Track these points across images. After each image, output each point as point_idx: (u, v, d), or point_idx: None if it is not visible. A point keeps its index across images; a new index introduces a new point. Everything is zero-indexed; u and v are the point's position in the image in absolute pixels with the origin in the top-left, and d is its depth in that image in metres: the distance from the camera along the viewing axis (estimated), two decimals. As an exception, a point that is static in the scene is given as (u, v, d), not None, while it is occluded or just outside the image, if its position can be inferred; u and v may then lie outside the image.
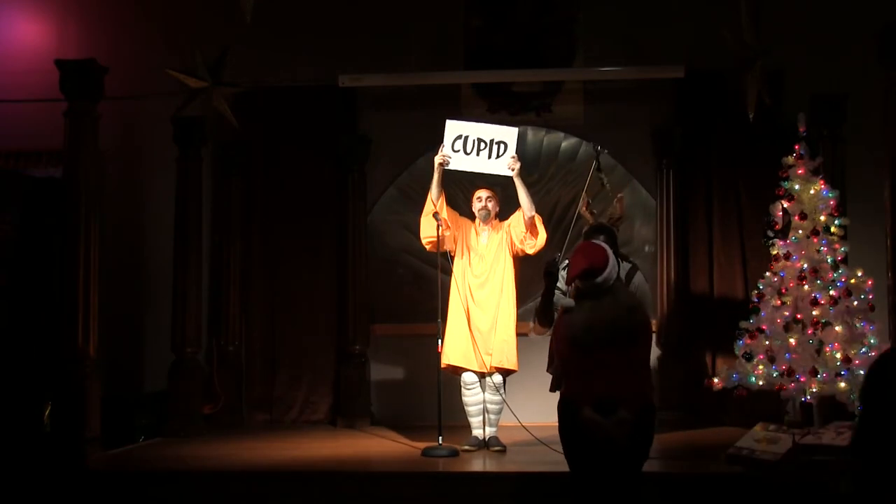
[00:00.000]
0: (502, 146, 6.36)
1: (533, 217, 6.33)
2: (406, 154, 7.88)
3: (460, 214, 6.68)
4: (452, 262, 6.49)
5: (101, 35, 8.02)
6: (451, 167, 6.41)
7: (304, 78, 7.90)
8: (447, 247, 6.45)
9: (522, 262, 6.72)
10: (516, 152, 6.37)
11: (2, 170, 7.97)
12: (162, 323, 7.64)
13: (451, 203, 7.29)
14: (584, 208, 6.04)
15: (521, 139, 7.80)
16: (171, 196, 7.62)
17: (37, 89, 7.06)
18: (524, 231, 6.34)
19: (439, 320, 6.37)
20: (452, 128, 6.40)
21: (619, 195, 6.19)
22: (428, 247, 6.57)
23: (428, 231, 6.48)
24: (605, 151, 6.07)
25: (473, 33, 7.97)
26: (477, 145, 6.36)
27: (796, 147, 6.60)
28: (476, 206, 6.52)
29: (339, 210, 7.93)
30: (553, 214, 7.67)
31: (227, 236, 7.98)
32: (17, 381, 6.98)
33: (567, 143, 7.94)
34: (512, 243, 6.42)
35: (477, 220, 6.53)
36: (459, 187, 7.03)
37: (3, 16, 8.36)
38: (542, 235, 6.39)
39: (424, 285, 7.71)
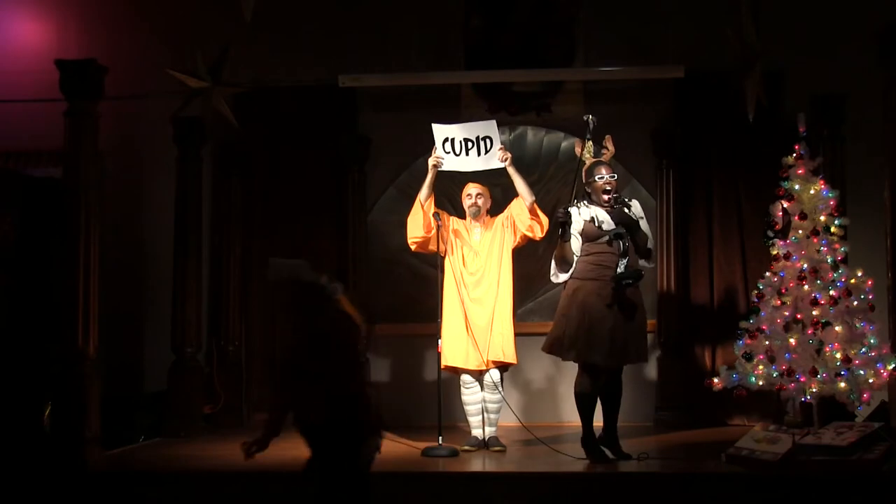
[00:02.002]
0: (488, 141, 6.38)
1: (534, 203, 6.36)
2: (406, 154, 7.89)
3: (449, 214, 6.69)
4: (443, 263, 6.48)
5: (101, 35, 8.02)
6: (444, 168, 6.44)
7: (304, 78, 7.89)
8: (431, 247, 6.46)
9: (521, 261, 6.72)
10: (502, 143, 6.39)
11: (2, 170, 7.97)
12: (162, 323, 7.64)
13: (449, 201, 7.32)
14: (584, 152, 6.15)
15: (520, 139, 7.87)
16: (171, 196, 7.63)
17: (37, 89, 7.06)
18: (529, 217, 6.35)
19: (439, 320, 6.37)
20: (439, 131, 6.44)
21: (607, 136, 6.27)
22: (413, 247, 6.58)
23: (415, 231, 6.48)
24: (594, 119, 6.09)
25: (473, 33, 7.97)
26: (464, 145, 6.40)
27: (796, 147, 6.60)
28: (466, 202, 6.53)
29: (339, 210, 7.93)
30: (553, 214, 7.67)
31: (227, 236, 7.98)
32: (17, 381, 6.98)
33: (567, 143, 7.93)
34: (516, 231, 6.41)
35: (468, 218, 6.54)
36: (460, 188, 7.01)
37: (3, 16, 8.36)
38: (545, 220, 6.43)
39: (424, 285, 7.70)
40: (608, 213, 5.90)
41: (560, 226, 5.84)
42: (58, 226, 6.37)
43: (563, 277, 5.97)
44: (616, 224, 5.86)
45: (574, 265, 5.92)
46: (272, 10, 7.11)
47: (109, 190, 7.80)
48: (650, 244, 6.01)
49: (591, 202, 5.99)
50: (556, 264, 5.97)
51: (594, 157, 6.19)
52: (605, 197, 5.93)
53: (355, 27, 7.93)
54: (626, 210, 5.95)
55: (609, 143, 6.25)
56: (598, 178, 5.95)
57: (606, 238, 5.88)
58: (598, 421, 6.00)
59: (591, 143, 6.10)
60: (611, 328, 5.78)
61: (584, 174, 6.09)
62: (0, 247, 7.13)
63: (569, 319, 5.87)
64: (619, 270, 5.80)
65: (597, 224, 5.90)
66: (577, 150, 6.22)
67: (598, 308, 5.81)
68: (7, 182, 7.44)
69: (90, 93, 6.26)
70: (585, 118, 6.12)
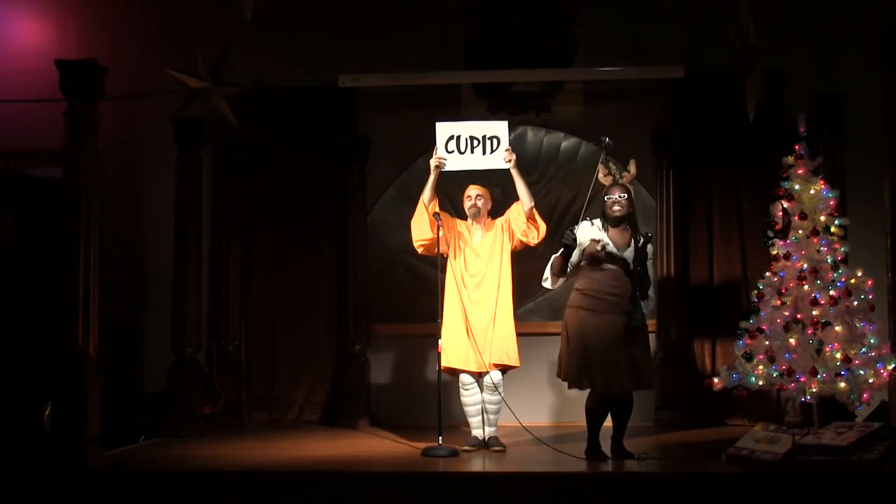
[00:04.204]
0: (495, 140, 6.38)
1: (532, 208, 6.35)
2: (406, 154, 7.89)
3: (451, 215, 6.70)
4: (446, 264, 6.48)
5: (101, 35, 8.02)
6: (447, 168, 6.43)
7: (304, 78, 7.89)
8: (440, 249, 6.45)
9: (520, 262, 6.72)
10: (509, 144, 6.39)
11: (2, 170, 7.97)
12: (162, 323, 7.64)
13: (450, 202, 7.32)
14: (602, 174, 6.17)
15: (520, 139, 7.87)
16: (171, 196, 7.62)
17: (37, 89, 7.05)
18: (525, 222, 6.35)
19: (439, 320, 6.37)
20: (443, 129, 6.42)
21: (631, 160, 6.28)
22: (420, 250, 6.58)
23: (421, 234, 6.48)
24: (610, 142, 6.10)
25: (473, 33, 7.97)
26: (470, 143, 6.39)
27: (796, 147, 6.60)
28: (466, 203, 6.54)
29: (339, 210, 7.93)
30: (553, 214, 7.68)
31: (227, 236, 7.99)
32: (17, 381, 6.98)
33: (567, 143, 7.94)
34: (513, 236, 6.42)
35: (469, 219, 6.54)
36: (460, 189, 7.02)
37: (3, 16, 8.36)
38: (543, 226, 6.43)
39: (424, 285, 7.70)
40: (635, 255, 5.89)
41: (564, 246, 5.89)
42: (58, 226, 6.37)
43: (553, 286, 6.10)
44: (633, 266, 5.85)
45: (566, 279, 6.03)
46: (272, 10, 7.10)
47: (109, 190, 7.80)
48: (650, 291, 6.01)
49: (604, 224, 5.98)
50: (551, 272, 6.07)
51: (613, 181, 6.16)
52: (616, 209, 5.93)
53: (355, 27, 7.92)
54: (644, 252, 5.91)
55: (632, 166, 6.24)
56: (607, 199, 5.98)
57: (607, 267, 5.91)
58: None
59: (610, 164, 6.11)
60: (605, 356, 5.81)
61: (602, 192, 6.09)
62: (0, 247, 7.13)
63: (567, 349, 5.96)
64: (634, 322, 5.81)
65: (599, 247, 5.88)
66: (601, 175, 6.18)
67: (592, 337, 5.85)
68: (7, 182, 7.44)
69: (90, 93, 6.25)
70: (602, 140, 6.09)
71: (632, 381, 5.87)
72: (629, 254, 5.89)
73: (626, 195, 5.97)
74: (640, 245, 5.86)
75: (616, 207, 5.93)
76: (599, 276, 5.91)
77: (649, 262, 6.00)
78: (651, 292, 6.03)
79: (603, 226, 5.97)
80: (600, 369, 5.81)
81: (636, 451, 5.94)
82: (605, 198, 5.99)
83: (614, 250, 5.89)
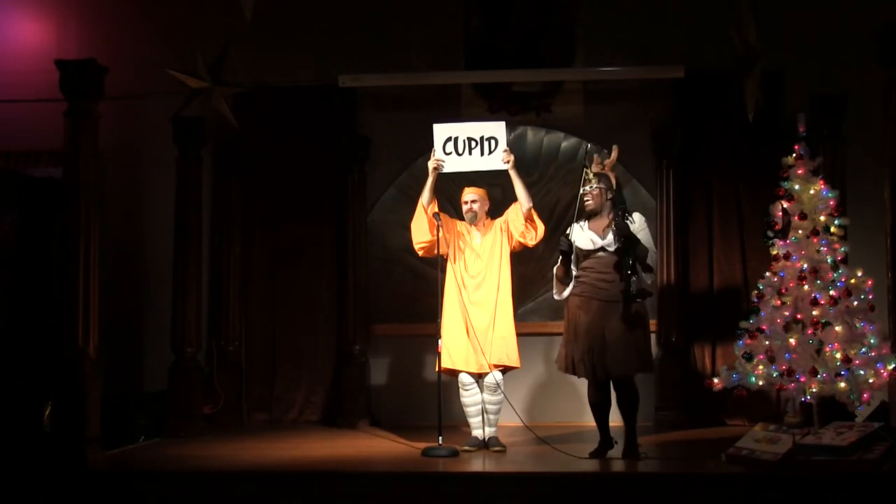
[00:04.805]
0: (493, 141, 6.38)
1: (530, 209, 6.36)
2: (406, 154, 7.89)
3: (450, 216, 6.70)
4: (446, 264, 6.48)
5: (101, 35, 8.02)
6: (445, 170, 6.43)
7: (304, 78, 7.90)
8: (440, 250, 6.45)
9: (521, 263, 6.71)
10: (507, 145, 6.39)
11: (2, 170, 7.97)
12: (162, 323, 7.64)
13: (450, 202, 7.32)
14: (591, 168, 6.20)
15: (520, 139, 7.88)
16: (171, 196, 7.62)
17: (37, 89, 7.06)
18: (524, 223, 6.35)
19: (439, 320, 6.37)
20: (440, 131, 6.42)
21: (614, 145, 6.27)
22: (420, 252, 6.58)
23: (421, 237, 6.48)
24: (591, 148, 6.17)
25: (474, 33, 7.97)
26: (468, 144, 6.39)
27: (796, 147, 6.60)
28: (463, 209, 6.54)
29: (339, 210, 7.93)
30: (553, 214, 7.68)
31: (227, 236, 7.99)
32: (17, 381, 6.98)
33: (567, 143, 7.94)
34: (511, 237, 6.43)
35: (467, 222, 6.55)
36: (460, 189, 7.02)
37: (3, 16, 8.36)
38: (541, 227, 6.43)
39: (424, 285, 7.70)
40: (614, 225, 5.91)
41: (562, 253, 5.96)
42: (58, 226, 6.37)
43: (563, 295, 6.10)
44: (618, 237, 5.87)
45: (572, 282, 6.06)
46: (272, 10, 7.11)
47: (109, 190, 7.80)
48: (650, 259, 5.98)
49: (586, 220, 6.05)
50: (556, 283, 6.11)
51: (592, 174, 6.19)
52: (587, 202, 6.00)
53: (355, 27, 7.93)
54: (624, 223, 5.90)
55: (614, 151, 6.24)
56: (581, 192, 6.07)
57: (596, 255, 5.96)
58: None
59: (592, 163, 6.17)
60: (591, 342, 5.87)
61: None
62: (0, 247, 7.13)
63: (563, 336, 6.07)
64: (632, 289, 5.81)
65: (584, 245, 5.98)
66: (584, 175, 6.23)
67: (581, 323, 5.92)
68: (7, 182, 7.44)
69: (90, 93, 6.25)
70: (584, 146, 6.15)
71: (619, 367, 5.86)
72: (611, 236, 5.92)
73: (597, 186, 6.02)
74: (617, 219, 5.88)
75: (587, 199, 6.02)
76: (592, 263, 5.99)
77: (644, 234, 5.97)
78: (651, 262, 5.99)
79: (585, 221, 6.03)
80: (586, 355, 5.87)
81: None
82: (580, 192, 6.07)
83: (599, 241, 5.93)
